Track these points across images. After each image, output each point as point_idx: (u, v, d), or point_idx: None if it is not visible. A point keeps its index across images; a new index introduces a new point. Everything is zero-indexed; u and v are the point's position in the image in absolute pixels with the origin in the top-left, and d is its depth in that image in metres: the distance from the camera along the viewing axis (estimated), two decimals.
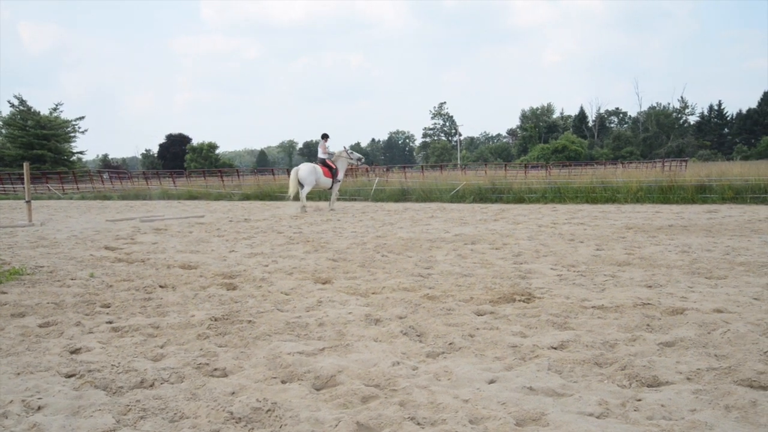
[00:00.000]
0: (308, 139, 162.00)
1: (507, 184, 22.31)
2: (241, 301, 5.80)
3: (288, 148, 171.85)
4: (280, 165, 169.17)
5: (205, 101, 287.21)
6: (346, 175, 30.54)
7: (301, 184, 18.63)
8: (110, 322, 5.08)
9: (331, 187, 19.41)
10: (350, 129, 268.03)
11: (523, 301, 5.45)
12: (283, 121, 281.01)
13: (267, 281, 6.80)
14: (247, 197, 28.39)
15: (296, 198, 19.71)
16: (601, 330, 4.59)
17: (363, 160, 19.97)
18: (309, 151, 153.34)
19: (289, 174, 28.53)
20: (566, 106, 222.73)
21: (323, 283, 6.71)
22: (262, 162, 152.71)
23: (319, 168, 19.02)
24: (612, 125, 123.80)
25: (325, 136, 19.40)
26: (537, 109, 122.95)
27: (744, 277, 6.50)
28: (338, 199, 24.10)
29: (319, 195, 25.05)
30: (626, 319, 4.81)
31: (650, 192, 19.50)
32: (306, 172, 18.72)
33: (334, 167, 19.28)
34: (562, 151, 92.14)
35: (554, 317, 4.86)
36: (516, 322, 4.77)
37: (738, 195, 18.27)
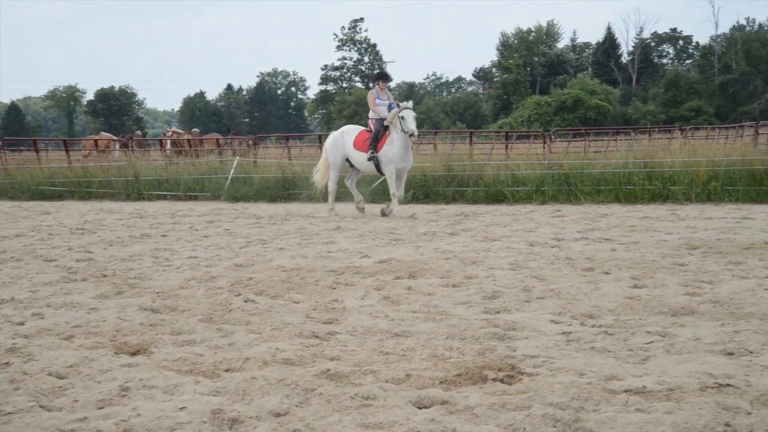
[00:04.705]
0: (107, 85, 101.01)
1: (474, 168, 15.43)
2: None
3: (66, 99, 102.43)
4: (51, 130, 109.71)
5: None
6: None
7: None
8: None
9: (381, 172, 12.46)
10: (182, 67, 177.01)
11: (502, 381, 4.04)
12: (55, 50, 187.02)
13: (21, 353, 4.60)
14: None
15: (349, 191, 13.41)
16: None
17: (416, 134, 12.00)
18: (106, 108, 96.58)
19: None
20: (581, 27, 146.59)
21: (133, 354, 4.64)
22: (13, 125, 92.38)
23: (349, 134, 12.43)
24: (664, 60, 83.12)
25: (382, 77, 12.88)
26: (528, 31, 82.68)
27: None
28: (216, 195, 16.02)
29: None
30: (688, 415, 3.40)
31: (732, 182, 13.40)
32: (328, 142, 12.79)
33: (374, 133, 12.16)
34: (573, 108, 61.58)
35: (557, 410, 3.48)
36: (489, 421, 3.45)
37: None
